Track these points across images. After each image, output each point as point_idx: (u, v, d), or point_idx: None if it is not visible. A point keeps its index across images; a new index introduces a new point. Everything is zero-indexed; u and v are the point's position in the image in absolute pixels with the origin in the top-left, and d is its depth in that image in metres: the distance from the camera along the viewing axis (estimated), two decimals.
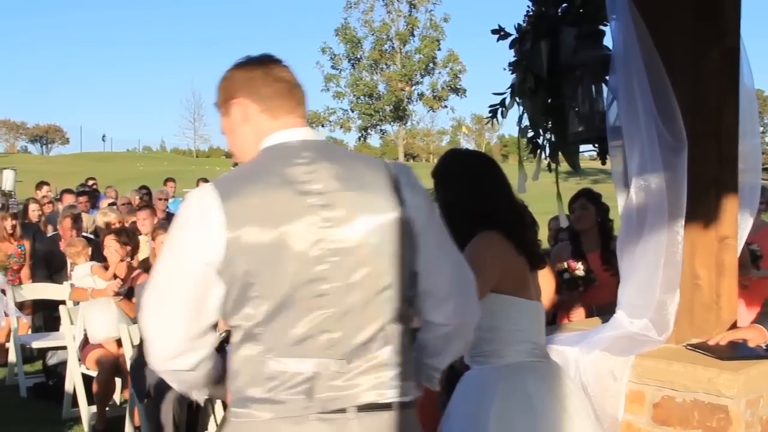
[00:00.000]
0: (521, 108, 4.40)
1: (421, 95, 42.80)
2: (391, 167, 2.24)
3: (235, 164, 2.36)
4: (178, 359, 2.10)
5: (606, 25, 3.98)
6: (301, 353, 2.08)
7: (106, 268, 6.94)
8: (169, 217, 11.51)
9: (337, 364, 2.10)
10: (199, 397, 2.32)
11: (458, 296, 2.27)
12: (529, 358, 3.10)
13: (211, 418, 6.13)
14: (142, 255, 8.33)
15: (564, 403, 3.06)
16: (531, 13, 4.25)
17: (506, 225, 3.12)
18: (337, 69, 45.91)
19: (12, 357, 8.02)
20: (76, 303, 7.28)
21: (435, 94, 42.98)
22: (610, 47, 3.75)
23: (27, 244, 9.10)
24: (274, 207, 2.07)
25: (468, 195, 3.14)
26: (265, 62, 2.28)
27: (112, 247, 6.91)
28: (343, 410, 2.10)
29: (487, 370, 3.09)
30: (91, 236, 9.46)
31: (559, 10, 4.16)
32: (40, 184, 14.07)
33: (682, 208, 3.49)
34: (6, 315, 8.04)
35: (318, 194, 2.10)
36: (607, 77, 3.83)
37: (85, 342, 6.63)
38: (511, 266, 3.08)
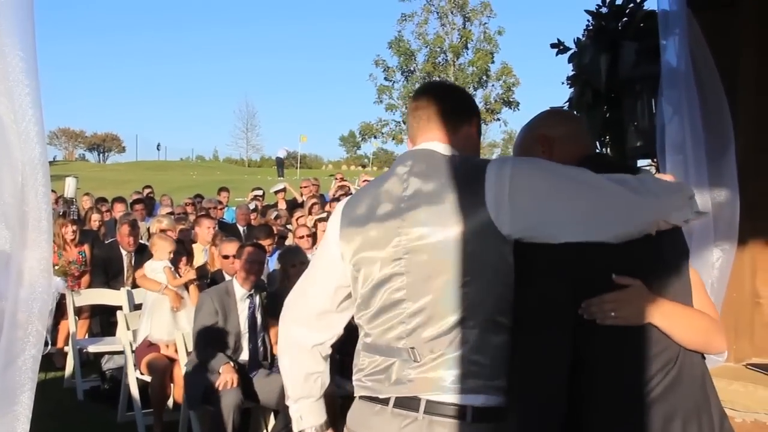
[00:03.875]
0: None
1: None
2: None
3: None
4: None
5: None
6: None
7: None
8: (221, 225, 11.64)
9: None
10: None
11: None
12: None
13: (262, 427, 6.19)
14: (197, 263, 8.48)
15: None
16: (591, 27, 4.23)
17: None
18: (390, 81, 46.10)
19: (70, 360, 8.18)
20: (134, 309, 7.43)
21: (488, 107, 42.87)
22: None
23: (87, 251, 9.29)
24: None
25: None
26: None
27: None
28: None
29: None
30: (147, 243, 9.64)
31: (620, 25, 4.14)
32: (99, 201, 14.47)
33: (734, 226, 3.42)
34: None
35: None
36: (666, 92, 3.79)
37: (142, 346, 6.74)
38: None
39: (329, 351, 2.58)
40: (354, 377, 2.37)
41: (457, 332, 2.18)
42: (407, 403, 2.21)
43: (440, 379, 2.18)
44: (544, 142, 2.44)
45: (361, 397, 2.34)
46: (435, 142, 2.39)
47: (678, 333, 2.15)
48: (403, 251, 2.25)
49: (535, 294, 2.10)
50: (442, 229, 2.19)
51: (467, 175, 2.22)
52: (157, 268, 7.01)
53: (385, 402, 2.25)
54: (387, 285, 2.29)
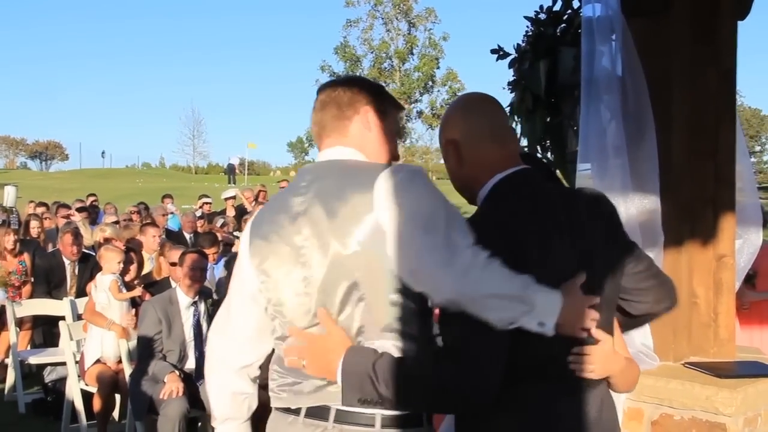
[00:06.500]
0: (519, 127, 4.44)
1: (420, 113, 42.98)
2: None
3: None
4: None
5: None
6: None
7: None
8: (168, 233, 11.52)
9: None
10: None
11: None
12: None
13: None
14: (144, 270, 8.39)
15: None
16: (530, 34, 4.29)
17: None
18: None
19: (11, 373, 8.01)
20: (77, 318, 7.29)
21: (434, 111, 43.14)
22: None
23: (27, 260, 9.10)
24: None
25: None
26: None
27: None
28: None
29: None
30: (91, 252, 9.49)
31: (558, 31, 4.21)
32: (40, 205, 14.17)
33: (657, 233, 3.48)
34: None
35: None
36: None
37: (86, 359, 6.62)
38: None
39: (258, 373, 2.53)
40: (269, 388, 2.36)
41: (360, 342, 2.17)
42: (318, 413, 2.21)
43: None
44: (450, 148, 2.30)
45: (276, 408, 2.34)
46: (336, 147, 2.36)
47: (622, 387, 2.28)
48: (300, 264, 2.23)
49: None
50: (336, 240, 2.17)
51: (360, 183, 2.19)
52: (103, 283, 6.85)
53: (296, 412, 2.25)
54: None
